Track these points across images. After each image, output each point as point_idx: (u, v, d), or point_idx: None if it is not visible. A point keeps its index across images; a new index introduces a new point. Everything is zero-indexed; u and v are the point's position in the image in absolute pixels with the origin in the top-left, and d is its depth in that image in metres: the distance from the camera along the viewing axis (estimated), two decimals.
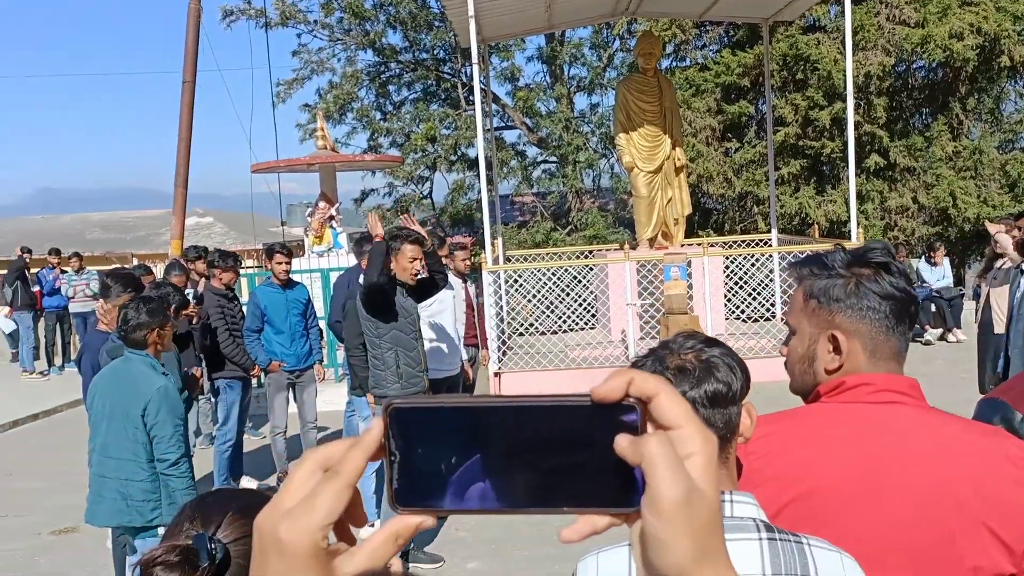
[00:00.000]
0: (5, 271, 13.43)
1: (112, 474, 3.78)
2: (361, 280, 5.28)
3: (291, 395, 6.98)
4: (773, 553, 1.30)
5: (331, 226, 11.70)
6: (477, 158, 22.04)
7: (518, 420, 0.56)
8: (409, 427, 0.56)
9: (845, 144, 15.48)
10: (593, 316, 12.28)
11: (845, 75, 14.65)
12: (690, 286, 9.47)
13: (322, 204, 11.77)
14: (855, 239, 10.03)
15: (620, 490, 0.54)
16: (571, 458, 0.55)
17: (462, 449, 0.56)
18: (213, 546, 1.17)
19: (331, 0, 22.40)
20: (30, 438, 9.62)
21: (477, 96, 10.11)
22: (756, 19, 13.19)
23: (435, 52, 22.94)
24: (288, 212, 33.06)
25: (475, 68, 10.04)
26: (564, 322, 11.70)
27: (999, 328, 6.09)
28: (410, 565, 5.22)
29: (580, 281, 11.13)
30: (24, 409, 10.55)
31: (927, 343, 11.58)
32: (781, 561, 1.30)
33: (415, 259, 5.06)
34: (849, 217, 15.35)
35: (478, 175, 22.11)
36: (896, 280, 1.54)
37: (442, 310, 6.12)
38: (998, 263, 6.30)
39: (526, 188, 22.47)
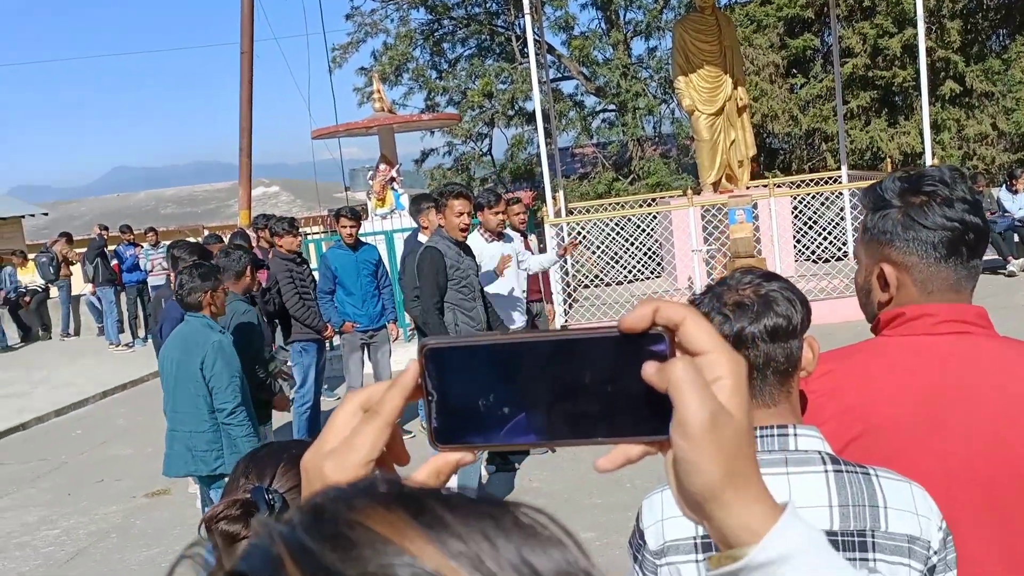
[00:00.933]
0: (85, 249, 13.91)
1: (179, 427, 4.03)
2: (418, 254, 5.30)
3: (365, 355, 7.11)
4: (840, 484, 1.28)
5: (392, 188, 11.76)
6: (534, 112, 21.96)
7: (549, 354, 0.56)
8: (444, 366, 0.57)
9: (918, 72, 14.91)
10: (659, 265, 12.16)
11: None
12: (756, 228, 9.29)
13: (382, 166, 11.82)
14: (845, 178, 9.66)
15: (651, 419, 0.55)
16: (603, 389, 0.55)
17: (496, 386, 0.57)
18: (271, 496, 1.20)
19: None
20: (120, 407, 10.03)
21: (531, 47, 9.96)
22: None
23: (488, 6, 22.73)
24: (351, 177, 33.44)
25: (527, 18, 9.89)
26: (630, 272, 11.62)
27: None
28: None
29: (644, 230, 11.01)
30: (112, 380, 10.99)
31: (1011, 274, 11.16)
32: (848, 492, 1.27)
33: (463, 212, 5.07)
34: (924, 149, 14.84)
35: (536, 129, 22.04)
36: (948, 209, 1.47)
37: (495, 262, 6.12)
38: None
39: (586, 139, 22.23)
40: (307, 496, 0.56)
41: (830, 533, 1.26)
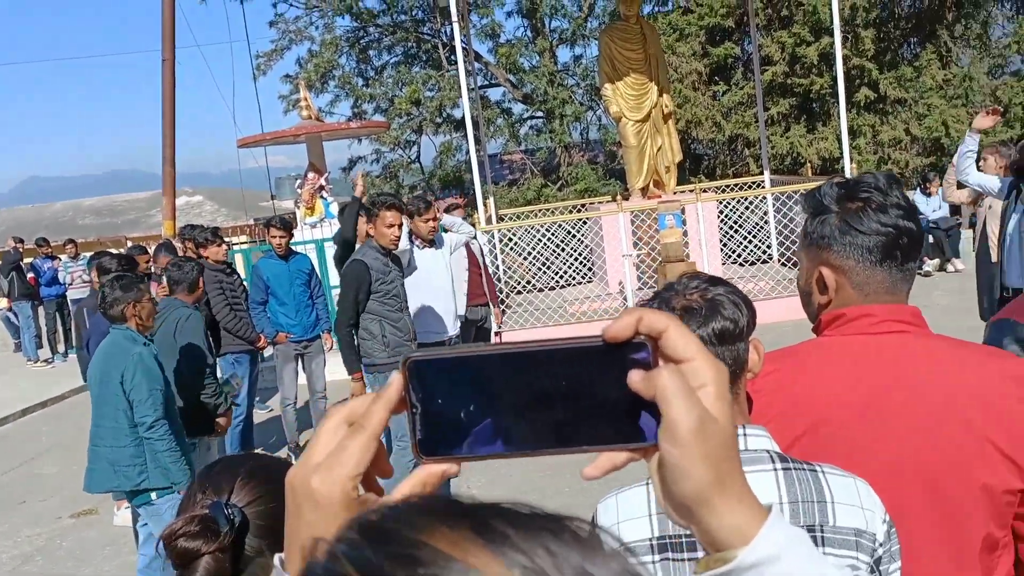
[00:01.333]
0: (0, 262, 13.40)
1: (101, 442, 3.95)
2: (347, 264, 5.29)
3: (300, 366, 7.03)
4: (789, 482, 1.33)
5: (322, 196, 11.64)
6: (463, 119, 22.00)
7: (532, 365, 0.57)
8: (427, 379, 0.58)
9: (834, 79, 15.40)
10: (590, 270, 12.30)
11: (831, 9, 14.55)
12: (685, 233, 9.48)
13: (311, 175, 11.69)
14: (849, 175, 10.00)
15: (636, 426, 0.56)
16: (587, 398, 0.57)
17: (480, 397, 0.57)
18: (230, 511, 1.19)
19: None
20: (42, 424, 9.68)
21: (460, 54, 9.98)
22: None
23: (413, 13, 22.67)
24: (277, 185, 32.94)
25: (456, 26, 9.91)
26: (561, 277, 11.73)
27: (996, 257, 6.08)
28: None
29: (575, 236, 11.12)
30: (34, 397, 10.60)
31: (927, 274, 11.62)
32: (797, 489, 1.32)
33: (393, 224, 5.07)
34: (842, 153, 15.35)
35: (465, 136, 22.06)
36: (883, 215, 1.54)
37: (431, 276, 6.11)
38: None
39: (514, 146, 22.34)
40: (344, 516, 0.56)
41: None
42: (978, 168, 6.36)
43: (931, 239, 11.81)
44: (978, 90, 15.68)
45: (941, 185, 12.34)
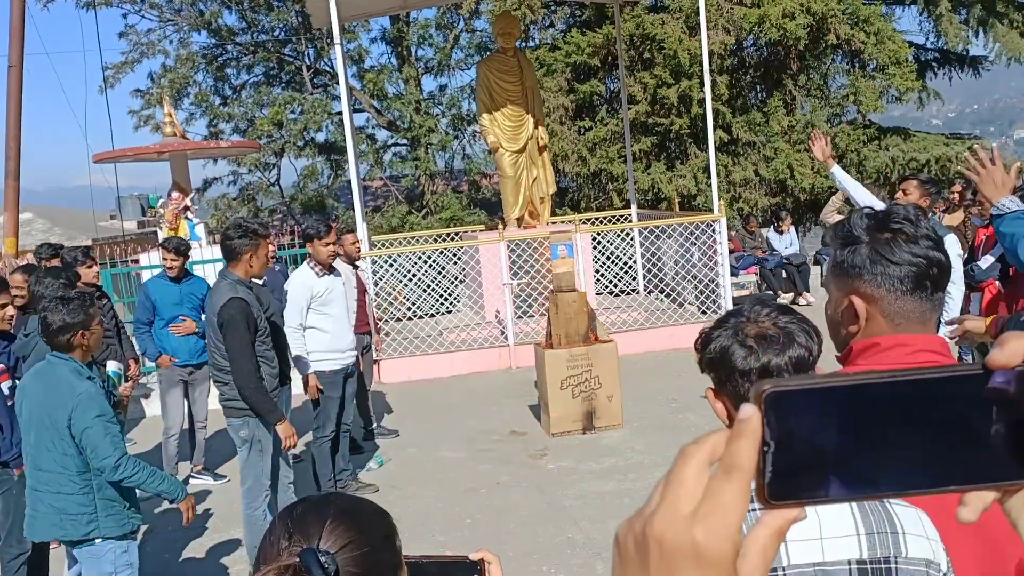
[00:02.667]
0: None
1: (44, 488, 3.54)
2: (222, 303, 4.55)
3: (184, 393, 6.68)
4: (863, 513, 1.34)
5: (186, 217, 11.09)
6: (326, 142, 21.59)
7: (905, 395, 0.53)
8: (788, 412, 0.53)
9: (692, 120, 16.19)
10: (455, 300, 12.29)
11: (690, 54, 15.30)
12: None
13: (175, 194, 11.11)
14: (717, 211, 10.49)
15: (1012, 461, 0.53)
16: (962, 431, 0.53)
17: (843, 431, 0.53)
18: (324, 559, 1.09)
19: None
20: None
21: (342, 76, 9.89)
22: None
23: (275, 33, 22.13)
24: (120, 205, 31.23)
25: (338, 47, 9.78)
26: (432, 305, 11.67)
27: None
28: None
29: (454, 262, 11.10)
30: None
31: None
32: (871, 520, 1.33)
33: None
34: (699, 191, 16.09)
35: (328, 160, 21.68)
36: (914, 246, 1.60)
37: (332, 299, 5.92)
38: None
39: (378, 172, 22.11)
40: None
41: (859, 562, 1.31)
42: (894, 198, 6.63)
43: (784, 274, 12.53)
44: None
45: (792, 224, 13.17)
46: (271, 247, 5.74)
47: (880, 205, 5.46)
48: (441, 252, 10.79)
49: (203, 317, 6.53)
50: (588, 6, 16.98)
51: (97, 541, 3.55)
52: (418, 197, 21.73)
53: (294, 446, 4.73)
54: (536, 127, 11.64)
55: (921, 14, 18.84)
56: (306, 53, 21.65)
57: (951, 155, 17.11)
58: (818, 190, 16.94)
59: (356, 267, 7.27)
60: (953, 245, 5.16)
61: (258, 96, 21.60)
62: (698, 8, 15.41)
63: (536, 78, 12.18)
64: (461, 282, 11.82)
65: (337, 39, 9.55)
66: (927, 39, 19.70)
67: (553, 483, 6.11)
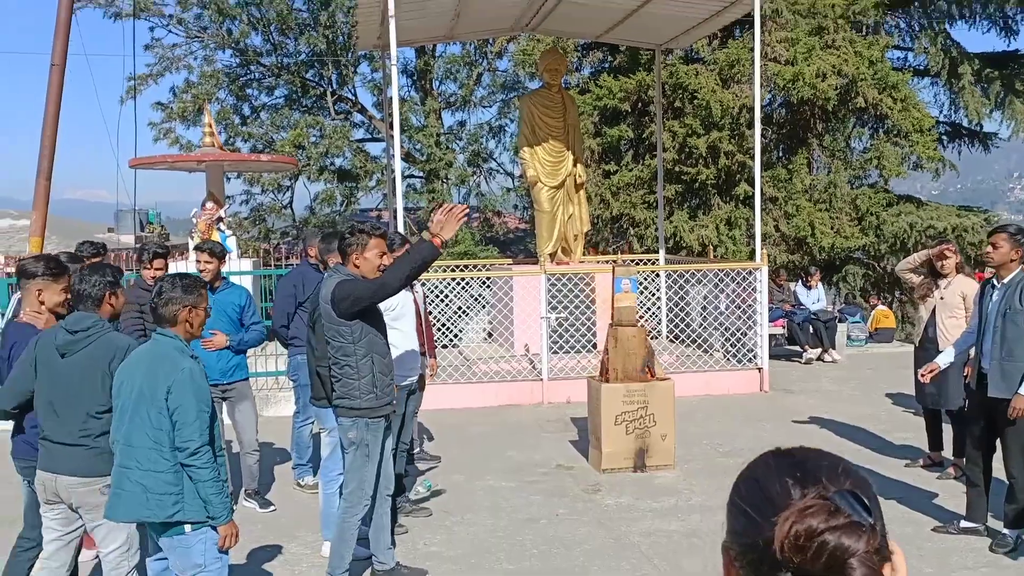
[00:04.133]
0: None
1: (135, 465, 3.40)
2: (335, 283, 4.72)
3: (222, 413, 6.34)
4: None
5: (219, 229, 10.95)
6: (342, 169, 21.56)
7: None
8: None
9: (719, 171, 16.26)
10: (487, 331, 12.17)
11: (722, 105, 15.41)
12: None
13: (209, 205, 10.99)
14: (759, 259, 10.43)
15: None
16: None
17: None
18: (867, 500, 0.98)
19: None
20: None
21: (396, 100, 9.75)
22: (649, 44, 13.60)
23: (300, 57, 22.20)
24: (117, 219, 31.02)
25: (394, 69, 9.68)
26: (457, 336, 11.53)
27: (943, 345, 6.41)
28: None
29: (488, 291, 10.98)
30: None
31: (808, 362, 12.20)
32: None
33: (383, 254, 4.76)
34: (720, 242, 16.07)
35: (344, 187, 21.62)
36: None
37: (404, 313, 5.78)
38: (942, 283, 6.65)
39: (392, 202, 22.03)
40: None
41: None
42: (939, 266, 6.65)
43: (812, 329, 12.47)
44: (840, 197, 16.95)
45: (820, 280, 13.15)
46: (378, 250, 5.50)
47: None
48: (472, 281, 10.66)
49: (241, 328, 6.21)
50: (622, 52, 17.13)
51: (187, 529, 3.40)
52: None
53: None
54: (575, 165, 11.63)
55: (944, 86, 19.12)
56: (330, 79, 21.71)
57: (967, 225, 17.23)
58: (837, 250, 17.00)
59: (412, 286, 7.13)
60: None
61: (277, 118, 21.60)
62: (732, 62, 15.66)
63: (578, 117, 12.19)
64: (490, 313, 11.70)
65: (394, 59, 9.50)
66: (941, 111, 19.94)
67: (614, 519, 5.93)
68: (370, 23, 11.09)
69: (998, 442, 5.28)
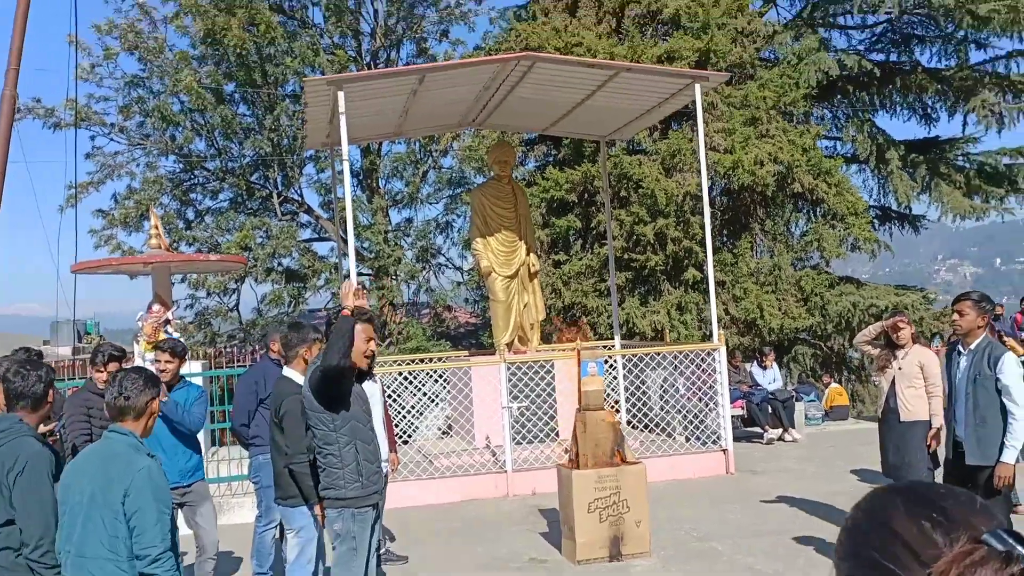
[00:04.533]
0: None
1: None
2: (309, 370, 4.69)
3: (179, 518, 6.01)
4: None
5: (166, 331, 10.64)
6: (291, 269, 21.37)
7: None
8: None
9: (667, 257, 16.50)
10: (447, 426, 11.92)
11: (666, 193, 15.77)
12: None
13: (156, 307, 10.67)
14: (716, 339, 10.48)
15: None
16: None
17: None
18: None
19: (131, 103, 21.29)
20: None
21: (347, 192, 9.71)
22: (594, 136, 13.92)
23: (244, 160, 22.20)
24: (54, 330, 30.17)
25: (345, 164, 9.67)
26: (412, 431, 11.27)
27: (905, 416, 6.49)
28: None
29: (444, 387, 10.80)
30: None
31: (769, 442, 12.17)
32: None
33: (370, 339, 4.64)
34: (672, 327, 16.17)
35: (295, 286, 21.39)
36: None
37: (372, 404, 5.61)
38: (900, 353, 6.72)
39: (339, 301, 21.87)
40: None
41: None
42: (895, 337, 6.76)
43: (770, 409, 12.49)
44: (785, 279, 17.30)
45: (775, 360, 13.25)
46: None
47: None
48: (440, 373, 10.49)
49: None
50: (566, 145, 17.50)
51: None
52: (380, 328, 21.46)
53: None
54: (528, 254, 11.68)
55: (873, 172, 19.90)
56: (276, 180, 21.71)
57: (907, 303, 17.65)
58: (786, 331, 17.24)
59: (372, 376, 6.95)
60: (1015, 367, 5.15)
61: (223, 221, 21.43)
62: (674, 151, 16.11)
63: (528, 207, 12.32)
64: (447, 407, 11.49)
65: (345, 154, 9.52)
66: (871, 196, 20.65)
67: None
68: (318, 122, 11.16)
69: None
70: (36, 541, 3.45)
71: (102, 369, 5.97)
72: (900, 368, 6.64)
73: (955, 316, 5.19)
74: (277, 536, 6.56)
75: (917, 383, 6.60)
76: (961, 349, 5.20)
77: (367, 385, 5.48)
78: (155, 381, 3.38)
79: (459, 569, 6.85)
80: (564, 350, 11.20)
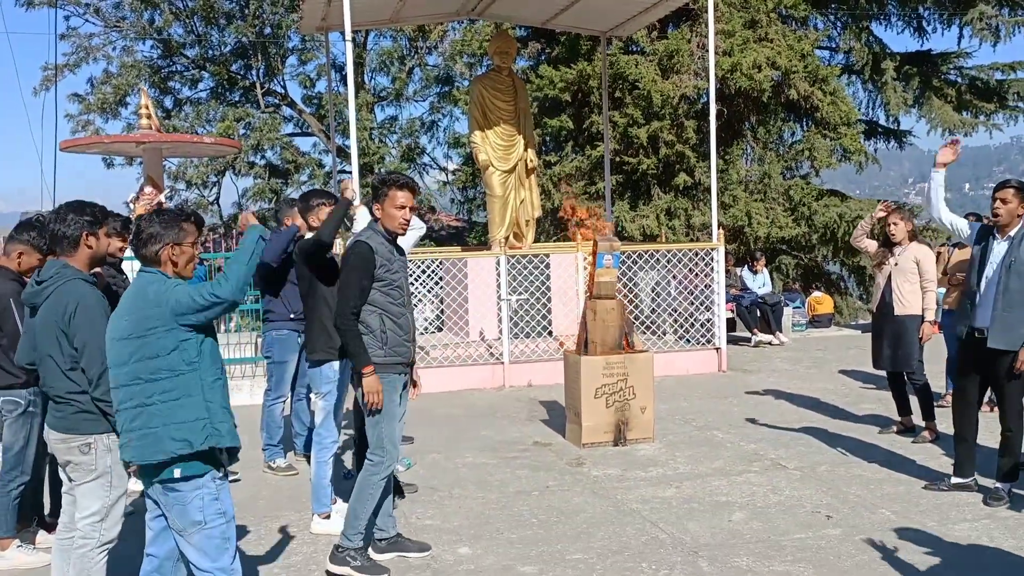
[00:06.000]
0: None
1: (155, 399, 3.13)
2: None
3: None
4: None
5: None
6: (272, 164, 20.99)
7: None
8: None
9: (660, 161, 16.38)
10: (439, 318, 11.94)
11: (662, 96, 15.53)
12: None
13: (148, 189, 10.41)
14: (716, 239, 10.49)
15: None
16: None
17: None
18: None
19: None
20: None
21: (351, 77, 9.45)
22: (594, 31, 13.58)
23: (225, 48, 21.52)
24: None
25: (348, 45, 9.37)
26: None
27: (900, 310, 6.72)
28: (397, 555, 4.63)
29: (438, 281, 10.75)
30: None
31: (757, 345, 12.34)
32: None
33: (404, 206, 4.55)
34: (660, 232, 16.17)
35: (276, 181, 21.05)
36: None
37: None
38: (897, 250, 6.83)
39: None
40: None
41: None
42: (890, 233, 6.88)
43: (759, 313, 12.62)
44: (774, 188, 17.28)
45: (765, 265, 13.34)
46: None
47: (962, 222, 5.50)
48: (439, 262, 10.43)
49: None
50: (560, 43, 17.11)
51: (176, 473, 3.15)
52: None
53: (375, 405, 4.29)
54: (526, 149, 11.50)
55: (867, 83, 19.72)
56: (258, 71, 21.10)
57: None
58: (773, 239, 17.32)
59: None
60: None
61: (203, 111, 20.88)
62: (672, 52, 15.81)
63: (528, 101, 12.07)
64: (442, 301, 11.47)
65: (348, 34, 9.20)
66: (859, 109, 20.50)
67: (607, 488, 5.81)
68: (315, 3, 10.76)
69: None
70: (97, 379, 3.47)
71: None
72: (896, 264, 6.76)
73: (997, 204, 5.18)
74: (287, 412, 6.61)
75: (913, 278, 6.75)
76: (997, 235, 5.21)
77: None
78: (172, 223, 3.27)
79: (466, 450, 6.94)
80: (569, 246, 11.16)
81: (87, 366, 3.52)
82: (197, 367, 3.17)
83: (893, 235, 6.88)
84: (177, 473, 3.15)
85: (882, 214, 6.92)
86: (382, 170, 20.67)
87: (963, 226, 5.45)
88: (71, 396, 3.60)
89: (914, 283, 6.77)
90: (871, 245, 7.14)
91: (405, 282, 4.60)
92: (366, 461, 4.45)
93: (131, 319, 3.17)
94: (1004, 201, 5.14)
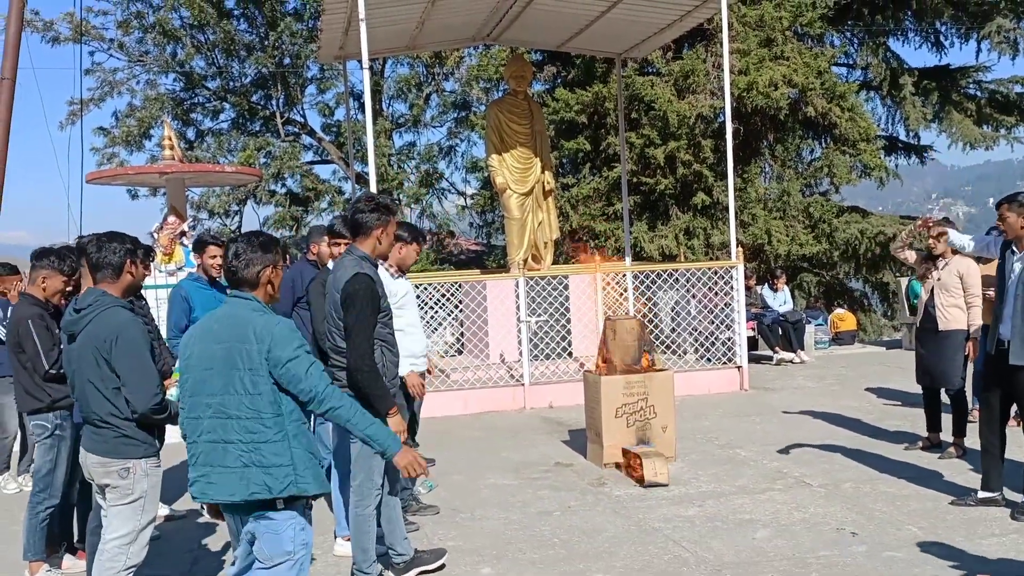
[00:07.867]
0: None
1: (235, 437, 3.09)
2: (352, 273, 4.48)
3: None
4: None
5: (182, 243, 10.57)
6: (293, 192, 21.18)
7: None
8: None
9: (677, 181, 16.39)
10: (459, 340, 11.97)
11: (678, 116, 15.57)
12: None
13: (172, 219, 10.60)
14: (735, 257, 10.47)
15: None
16: None
17: None
18: None
19: (130, 18, 20.80)
20: None
21: (368, 105, 9.59)
22: (609, 53, 13.66)
23: (245, 79, 21.81)
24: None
25: (366, 73, 9.51)
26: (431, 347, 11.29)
27: (943, 325, 6.59)
28: (417, 571, 4.63)
29: (458, 305, 10.80)
30: None
31: (779, 363, 12.26)
32: None
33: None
34: (679, 251, 16.16)
35: (297, 209, 21.24)
36: None
37: (407, 302, 5.59)
38: (940, 263, 6.75)
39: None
40: None
41: None
42: (931, 247, 6.76)
43: (780, 331, 12.55)
44: (794, 205, 17.22)
45: (786, 283, 13.27)
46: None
47: (992, 247, 5.46)
48: (458, 285, 10.48)
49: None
50: (576, 66, 17.22)
51: (273, 514, 3.10)
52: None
53: (405, 440, 4.25)
54: (543, 171, 11.55)
55: (885, 98, 19.68)
56: (278, 100, 21.37)
57: None
58: (793, 257, 17.24)
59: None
60: None
61: (224, 141, 21.16)
62: (687, 72, 15.87)
63: (544, 123, 12.15)
64: (462, 324, 11.51)
65: (365, 63, 9.32)
66: (879, 125, 20.43)
67: (629, 508, 5.78)
68: (333, 31, 10.92)
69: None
70: (146, 404, 3.57)
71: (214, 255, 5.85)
72: (939, 279, 6.68)
73: (998, 222, 5.16)
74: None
75: (956, 293, 6.63)
76: (1016, 249, 5.17)
77: (400, 283, 5.47)
78: (270, 245, 3.23)
79: (488, 471, 6.93)
80: (587, 267, 11.18)
81: (130, 394, 3.58)
82: (282, 411, 3.11)
83: (935, 249, 6.77)
84: (280, 504, 3.11)
85: (923, 231, 6.64)
86: (400, 195, 20.80)
87: (992, 247, 5.44)
88: (112, 419, 3.64)
89: (957, 298, 6.64)
90: (911, 256, 7.06)
91: (390, 316, 4.54)
92: (351, 495, 4.41)
93: (226, 348, 3.11)
94: (1002, 219, 5.12)
